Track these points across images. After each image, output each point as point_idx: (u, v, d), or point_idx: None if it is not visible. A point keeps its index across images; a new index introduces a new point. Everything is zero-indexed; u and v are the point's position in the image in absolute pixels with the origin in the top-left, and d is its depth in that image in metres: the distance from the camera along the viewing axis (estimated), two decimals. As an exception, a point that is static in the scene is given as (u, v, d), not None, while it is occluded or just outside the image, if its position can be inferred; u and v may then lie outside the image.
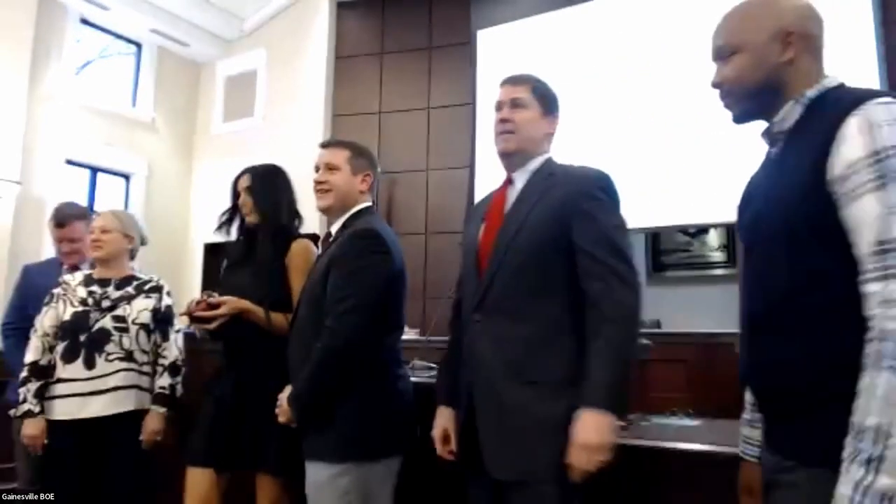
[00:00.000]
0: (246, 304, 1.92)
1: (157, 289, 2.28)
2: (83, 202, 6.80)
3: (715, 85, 1.23)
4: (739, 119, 1.23)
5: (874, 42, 4.76)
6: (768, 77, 1.16)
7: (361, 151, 1.91)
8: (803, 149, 1.07)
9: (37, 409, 2.07)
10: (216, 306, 1.90)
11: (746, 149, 5.33)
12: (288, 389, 1.72)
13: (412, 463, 1.56)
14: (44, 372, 2.12)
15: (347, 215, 1.85)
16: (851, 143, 0.98)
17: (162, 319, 2.23)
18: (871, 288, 0.93)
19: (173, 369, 2.16)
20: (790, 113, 1.15)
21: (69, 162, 6.52)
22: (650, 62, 5.03)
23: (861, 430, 0.89)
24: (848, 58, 4.82)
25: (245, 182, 2.06)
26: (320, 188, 1.85)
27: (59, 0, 6.37)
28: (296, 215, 2.11)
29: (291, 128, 7.10)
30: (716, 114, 4.70)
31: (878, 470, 0.85)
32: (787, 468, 1.05)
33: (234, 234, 2.18)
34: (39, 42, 6.12)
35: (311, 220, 2.23)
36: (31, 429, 2.07)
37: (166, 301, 2.27)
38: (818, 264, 1.02)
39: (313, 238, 2.11)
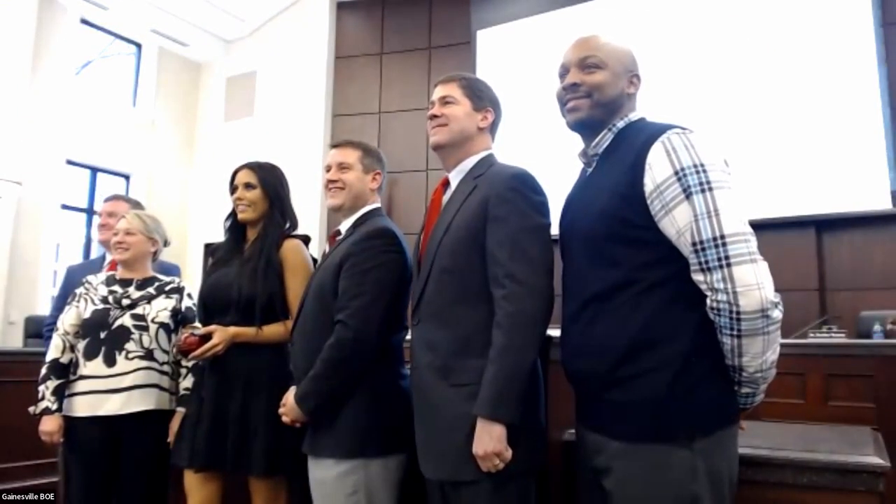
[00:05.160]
0: (233, 330, 1.92)
1: (178, 290, 2.30)
2: (83, 202, 6.84)
3: (574, 84, 1.36)
4: (581, 123, 1.38)
5: (874, 42, 4.77)
6: (617, 97, 1.36)
7: (371, 151, 1.93)
8: (616, 168, 1.29)
9: (54, 407, 2.10)
10: (208, 338, 1.90)
11: (744, 150, 5.32)
12: (293, 389, 1.71)
13: (415, 462, 1.56)
14: (63, 370, 2.15)
15: (359, 214, 1.86)
16: (659, 165, 1.21)
17: (182, 320, 2.24)
18: (697, 277, 1.19)
19: (196, 371, 2.15)
20: (603, 139, 1.37)
21: (69, 162, 6.53)
22: (649, 61, 5.03)
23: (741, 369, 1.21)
24: (848, 58, 4.84)
25: (246, 177, 2.05)
26: (333, 186, 1.86)
27: (59, 0, 6.37)
28: (294, 219, 2.10)
29: (291, 128, 7.11)
30: (715, 113, 4.68)
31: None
32: (608, 448, 1.24)
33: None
34: (39, 42, 6.12)
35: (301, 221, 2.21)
36: (48, 425, 2.09)
37: (187, 302, 2.28)
38: (632, 259, 1.24)
39: (304, 239, 2.11)
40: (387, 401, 1.67)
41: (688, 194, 1.18)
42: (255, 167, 2.07)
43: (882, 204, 4.63)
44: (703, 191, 1.17)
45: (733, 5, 5.29)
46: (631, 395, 1.22)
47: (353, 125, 6.86)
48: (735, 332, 1.16)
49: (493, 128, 1.67)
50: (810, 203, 4.82)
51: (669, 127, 1.27)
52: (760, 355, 1.18)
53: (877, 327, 3.43)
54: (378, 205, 1.91)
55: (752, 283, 1.13)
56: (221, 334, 1.91)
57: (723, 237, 1.15)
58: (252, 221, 2.05)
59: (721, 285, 1.15)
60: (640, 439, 1.21)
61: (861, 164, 4.70)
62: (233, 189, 2.07)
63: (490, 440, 1.32)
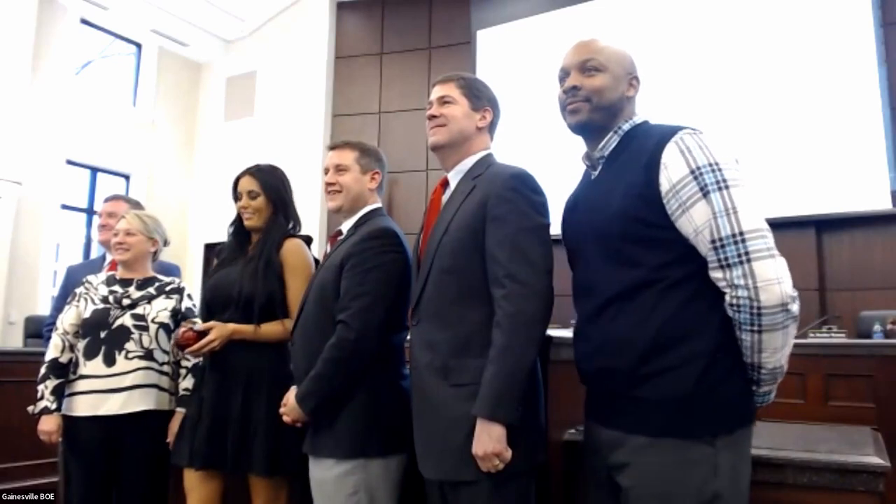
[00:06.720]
0: (232, 326, 1.91)
1: (178, 290, 2.30)
2: (83, 202, 6.84)
3: (575, 87, 1.37)
4: (581, 126, 1.39)
5: (874, 42, 4.77)
6: (618, 100, 1.37)
7: (369, 150, 1.92)
8: (627, 169, 1.30)
9: (53, 406, 2.10)
10: (204, 334, 1.92)
11: (744, 150, 5.33)
12: (293, 390, 1.72)
13: (415, 462, 1.56)
14: (62, 369, 2.16)
15: (360, 214, 1.86)
16: (674, 165, 1.22)
17: (182, 321, 2.24)
18: (716, 275, 1.20)
19: (197, 371, 2.16)
20: (609, 142, 1.38)
21: (69, 162, 6.53)
22: (649, 62, 5.03)
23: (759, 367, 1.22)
24: (848, 58, 4.84)
25: (249, 185, 2.06)
26: (331, 189, 1.87)
27: (59, 0, 6.38)
28: (297, 219, 2.12)
29: (291, 128, 7.12)
30: (716, 113, 4.67)
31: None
32: (628, 443, 1.24)
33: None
34: (39, 42, 6.12)
35: (304, 220, 2.22)
36: (47, 424, 2.10)
37: (187, 303, 2.29)
38: (652, 259, 1.24)
39: (307, 240, 2.13)
40: (387, 401, 1.67)
41: (705, 193, 1.19)
42: (255, 173, 2.08)
43: (882, 204, 4.63)
44: (719, 189, 1.19)
45: (733, 6, 5.29)
46: (656, 391, 1.22)
47: (353, 125, 6.86)
48: (756, 328, 1.17)
49: (491, 127, 1.67)
50: (810, 203, 4.82)
51: (680, 128, 1.28)
52: (779, 350, 1.20)
53: (877, 327, 3.43)
54: (379, 205, 1.91)
55: (773, 277, 1.15)
56: (219, 330, 1.92)
57: (742, 233, 1.16)
58: (258, 228, 2.06)
59: (741, 281, 1.16)
60: (663, 434, 1.20)
61: (861, 164, 4.70)
62: (236, 195, 2.07)
63: (490, 440, 1.32)
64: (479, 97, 1.64)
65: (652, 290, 1.23)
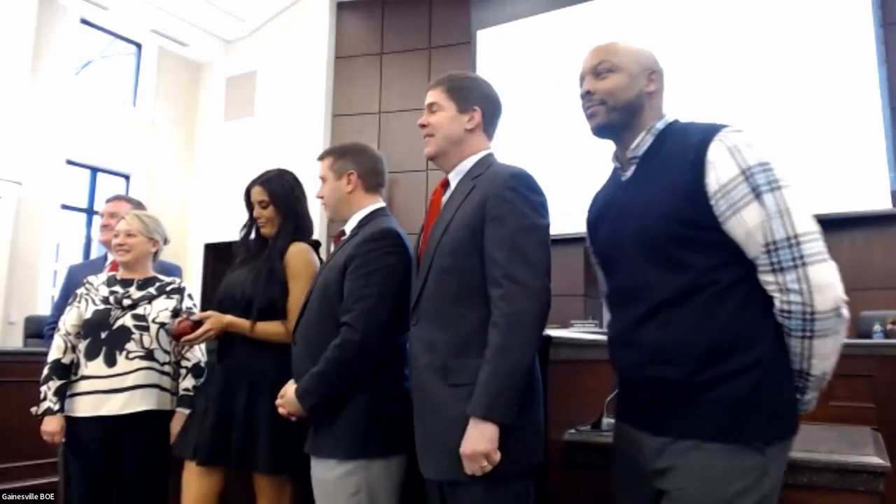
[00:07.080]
0: (228, 318, 1.95)
1: (179, 290, 2.31)
2: (83, 202, 6.84)
3: (588, 92, 1.35)
4: (601, 129, 1.36)
5: (874, 42, 4.77)
6: (635, 98, 1.33)
7: (343, 152, 1.91)
8: (669, 169, 1.25)
9: (55, 407, 2.11)
10: (199, 324, 1.95)
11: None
12: (292, 384, 1.72)
13: (415, 462, 1.57)
14: (65, 370, 2.16)
15: (361, 216, 1.86)
16: (723, 164, 1.18)
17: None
18: (767, 278, 1.16)
19: (196, 371, 2.18)
20: (643, 141, 1.33)
21: (69, 162, 6.53)
22: (650, 62, 5.03)
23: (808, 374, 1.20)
24: (848, 58, 4.84)
25: (259, 195, 2.09)
26: (321, 201, 1.93)
27: (59, 0, 6.38)
28: (307, 224, 2.14)
29: (291, 128, 7.11)
30: (715, 113, 4.67)
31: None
32: (675, 447, 1.20)
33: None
34: (39, 42, 6.13)
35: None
36: (50, 425, 2.11)
37: (187, 303, 2.30)
38: (701, 262, 1.20)
39: (315, 245, 2.15)
40: (388, 401, 1.68)
41: (757, 194, 1.16)
42: (265, 183, 2.11)
43: (882, 204, 4.64)
44: (772, 190, 1.16)
45: (733, 6, 5.29)
46: (713, 396, 1.18)
47: (353, 125, 6.86)
48: (808, 334, 1.15)
49: (487, 126, 1.65)
50: (810, 203, 4.82)
51: (721, 125, 1.25)
52: (831, 355, 1.18)
53: (877, 327, 3.44)
54: (380, 204, 1.91)
55: (827, 282, 1.13)
56: (214, 321, 1.95)
57: (797, 236, 1.14)
58: (271, 235, 2.10)
59: (795, 286, 1.13)
60: (712, 438, 1.17)
61: (861, 164, 4.70)
62: (250, 204, 2.12)
63: (481, 439, 1.32)
64: (467, 98, 1.61)
65: (704, 295, 1.19)
